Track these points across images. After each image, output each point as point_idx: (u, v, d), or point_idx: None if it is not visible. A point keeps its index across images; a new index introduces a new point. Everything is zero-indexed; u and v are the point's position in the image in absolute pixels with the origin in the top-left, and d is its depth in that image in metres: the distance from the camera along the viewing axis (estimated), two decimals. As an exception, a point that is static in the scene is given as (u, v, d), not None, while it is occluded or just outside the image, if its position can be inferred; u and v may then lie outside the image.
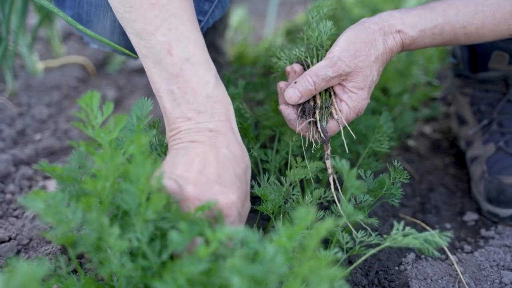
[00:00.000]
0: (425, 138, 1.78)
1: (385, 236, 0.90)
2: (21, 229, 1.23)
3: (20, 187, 1.41)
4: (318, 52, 1.12)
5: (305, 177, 1.10)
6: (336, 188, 1.03)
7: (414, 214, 1.39)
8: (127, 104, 1.91)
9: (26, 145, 1.61)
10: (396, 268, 1.16)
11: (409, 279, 1.12)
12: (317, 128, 1.06)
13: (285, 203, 1.07)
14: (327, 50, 1.09)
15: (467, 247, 1.26)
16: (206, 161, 0.88)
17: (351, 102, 1.05)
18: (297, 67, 1.10)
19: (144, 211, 0.77)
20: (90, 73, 2.11)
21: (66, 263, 0.88)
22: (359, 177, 1.23)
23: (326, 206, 1.27)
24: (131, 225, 0.79)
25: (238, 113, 1.22)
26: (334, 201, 1.04)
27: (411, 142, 1.73)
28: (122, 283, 0.79)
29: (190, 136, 0.92)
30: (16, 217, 1.29)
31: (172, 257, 0.82)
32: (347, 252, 0.99)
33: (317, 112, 1.06)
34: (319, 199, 1.06)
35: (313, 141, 1.06)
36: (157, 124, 1.06)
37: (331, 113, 1.06)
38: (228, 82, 1.30)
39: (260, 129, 1.29)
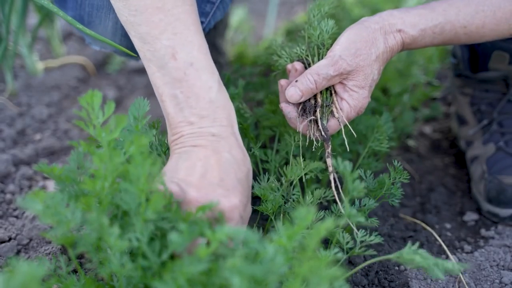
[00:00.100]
0: (425, 138, 1.78)
1: (397, 253, 0.87)
2: (21, 229, 1.23)
3: (20, 187, 1.41)
4: (319, 50, 1.12)
5: (305, 176, 1.10)
6: (336, 187, 1.03)
7: (414, 214, 1.39)
8: (127, 104, 1.91)
9: (26, 145, 1.61)
10: (396, 268, 1.16)
11: (409, 279, 1.12)
12: (317, 126, 1.06)
13: (285, 203, 1.07)
14: (328, 49, 1.09)
15: (467, 247, 1.26)
16: (208, 165, 0.89)
17: (352, 100, 1.05)
18: (298, 65, 1.10)
19: (144, 211, 0.77)
20: (90, 73, 2.11)
21: (66, 263, 0.88)
22: (359, 177, 1.23)
23: (326, 206, 1.27)
24: (131, 225, 0.79)
25: (238, 113, 1.22)
26: (334, 201, 1.04)
27: (411, 142, 1.73)
28: (122, 283, 0.79)
29: (193, 141, 0.92)
30: (16, 217, 1.29)
31: (172, 257, 0.82)
32: (347, 252, 0.99)
33: (317, 110, 1.06)
34: (319, 199, 1.06)
35: (314, 140, 1.06)
36: (157, 124, 1.06)
37: (331, 112, 1.06)
38: (228, 82, 1.30)
39: (260, 129, 1.29)
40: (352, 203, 1.08)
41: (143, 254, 0.79)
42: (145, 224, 0.78)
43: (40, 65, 2.02)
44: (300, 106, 1.07)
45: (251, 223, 1.16)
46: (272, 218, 1.06)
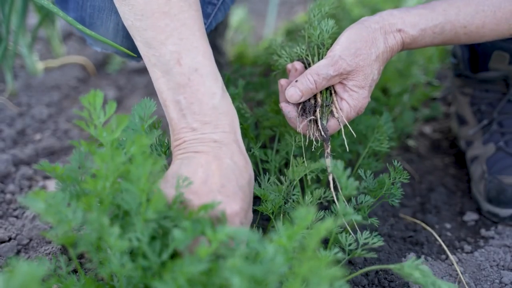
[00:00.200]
0: (425, 138, 1.78)
1: (398, 265, 0.87)
2: (21, 229, 1.23)
3: (20, 187, 1.41)
4: (319, 50, 1.12)
5: (306, 176, 1.10)
6: (335, 187, 1.03)
7: (414, 214, 1.39)
8: (127, 104, 1.91)
9: (26, 145, 1.61)
10: (396, 268, 1.16)
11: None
12: (317, 126, 1.06)
13: (285, 203, 1.07)
14: (328, 49, 1.09)
15: (467, 247, 1.26)
16: (209, 172, 0.89)
17: (352, 100, 1.05)
18: (298, 65, 1.10)
19: (144, 211, 0.77)
20: (90, 73, 2.11)
21: (66, 263, 0.88)
22: (359, 177, 1.23)
23: (326, 206, 1.27)
24: (132, 225, 0.79)
25: (238, 113, 1.22)
26: (334, 201, 1.04)
27: (411, 142, 1.73)
28: (122, 283, 0.79)
29: (195, 147, 0.92)
30: (16, 217, 1.29)
31: (172, 257, 0.82)
32: (348, 254, 0.99)
33: (317, 110, 1.06)
34: (319, 199, 1.06)
35: (313, 140, 1.06)
36: (158, 124, 1.06)
37: (331, 112, 1.06)
38: (228, 82, 1.30)
39: (260, 129, 1.29)
40: (349, 201, 1.08)
41: (143, 254, 0.79)
42: (145, 224, 0.78)
43: (40, 65, 2.02)
44: (300, 106, 1.07)
45: (251, 223, 1.16)
46: (272, 218, 1.06)
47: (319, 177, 1.30)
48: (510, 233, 1.29)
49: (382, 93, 1.72)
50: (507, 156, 1.40)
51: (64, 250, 1.14)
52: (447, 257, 1.21)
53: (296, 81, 1.04)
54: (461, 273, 1.14)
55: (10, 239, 1.21)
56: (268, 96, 1.43)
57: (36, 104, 1.81)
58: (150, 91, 1.99)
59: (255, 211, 1.17)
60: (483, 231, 1.32)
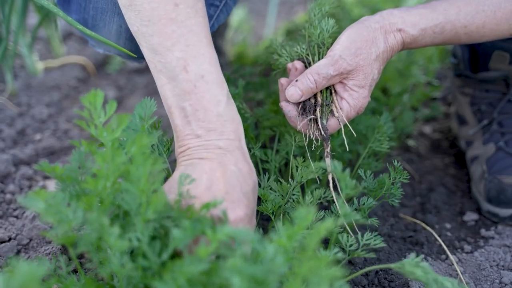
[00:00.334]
0: (425, 138, 1.78)
1: (398, 264, 0.87)
2: (21, 229, 1.23)
3: (20, 187, 1.41)
4: (320, 49, 1.12)
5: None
6: (335, 187, 1.03)
7: (414, 214, 1.39)
8: (127, 104, 1.91)
9: (26, 145, 1.61)
10: (396, 268, 1.16)
11: (409, 279, 1.12)
12: (317, 125, 1.06)
13: (285, 203, 1.07)
14: (328, 48, 1.09)
15: (467, 247, 1.26)
16: (214, 178, 0.89)
17: (352, 100, 1.05)
18: (298, 64, 1.10)
19: (144, 211, 0.77)
20: (90, 73, 2.11)
21: (66, 263, 0.88)
22: (359, 177, 1.23)
23: (326, 206, 1.27)
24: (132, 225, 0.79)
25: (239, 113, 1.22)
26: (334, 201, 1.04)
27: (411, 142, 1.73)
28: (122, 283, 0.79)
29: (199, 153, 0.92)
30: (16, 217, 1.29)
31: (172, 257, 0.82)
32: (348, 254, 0.99)
33: (317, 109, 1.06)
34: (319, 199, 1.06)
35: (313, 139, 1.06)
36: (158, 124, 1.06)
37: (331, 111, 1.07)
38: (228, 82, 1.29)
39: (260, 129, 1.29)
40: (350, 201, 1.08)
41: (143, 254, 0.79)
42: (145, 224, 0.78)
43: (40, 65, 2.02)
44: (300, 105, 1.07)
45: (251, 223, 1.16)
46: (272, 218, 1.06)
47: (319, 177, 1.30)
48: (510, 233, 1.29)
49: (382, 93, 1.72)
50: (507, 156, 1.40)
51: (64, 250, 1.14)
52: (447, 257, 1.21)
53: (297, 80, 1.04)
54: (461, 273, 1.14)
55: (10, 239, 1.21)
56: (268, 96, 1.43)
57: (36, 104, 1.81)
58: (150, 91, 1.99)
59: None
60: (483, 231, 1.32)
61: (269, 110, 1.25)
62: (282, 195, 1.06)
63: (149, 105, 1.00)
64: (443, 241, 1.27)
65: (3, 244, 1.18)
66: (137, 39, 0.97)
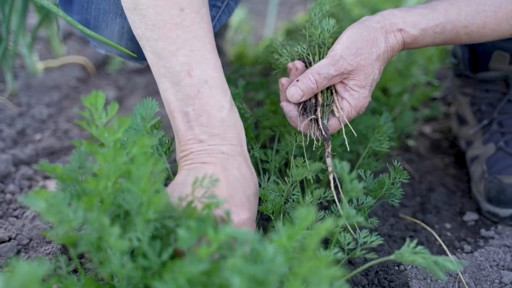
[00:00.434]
0: (425, 138, 1.78)
1: (396, 252, 0.88)
2: (21, 229, 1.23)
3: (20, 187, 1.41)
4: (320, 49, 1.12)
5: (306, 177, 1.09)
6: (336, 187, 1.03)
7: (414, 214, 1.39)
8: (127, 104, 1.91)
9: (26, 145, 1.61)
10: (396, 268, 1.16)
11: (409, 279, 1.12)
12: (318, 125, 1.06)
13: (285, 203, 1.07)
14: (329, 48, 1.09)
15: (467, 247, 1.26)
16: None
17: (353, 100, 1.05)
18: (299, 64, 1.10)
19: (145, 211, 0.77)
20: (90, 73, 2.11)
21: (66, 263, 0.88)
22: (359, 177, 1.23)
23: (326, 206, 1.27)
24: (133, 225, 0.79)
25: (238, 113, 1.22)
26: (334, 201, 1.04)
27: (411, 142, 1.73)
28: (122, 283, 0.79)
29: (202, 158, 0.93)
30: (16, 217, 1.29)
31: (172, 257, 0.82)
32: (348, 254, 0.99)
33: (318, 109, 1.06)
34: (319, 199, 1.06)
35: (314, 139, 1.06)
36: (158, 124, 1.06)
37: (332, 111, 1.07)
38: (228, 82, 1.29)
39: (260, 129, 1.29)
40: (350, 201, 1.08)
41: (143, 254, 0.79)
42: (146, 224, 0.78)
43: (40, 65, 2.02)
44: (301, 105, 1.07)
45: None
46: (272, 218, 1.06)
47: (319, 177, 1.30)
48: (510, 233, 1.29)
49: (382, 93, 1.72)
50: (507, 156, 1.40)
51: (64, 250, 1.14)
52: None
53: (297, 80, 1.04)
54: (461, 273, 1.14)
55: (10, 239, 1.21)
56: (268, 96, 1.43)
57: (36, 104, 1.81)
58: (150, 91, 1.99)
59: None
60: (483, 231, 1.32)
61: (269, 110, 1.25)
62: (281, 195, 1.06)
63: (150, 105, 1.00)
64: (443, 241, 1.27)
65: (3, 244, 1.18)
66: (140, 43, 0.97)
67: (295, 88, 1.04)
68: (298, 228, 0.74)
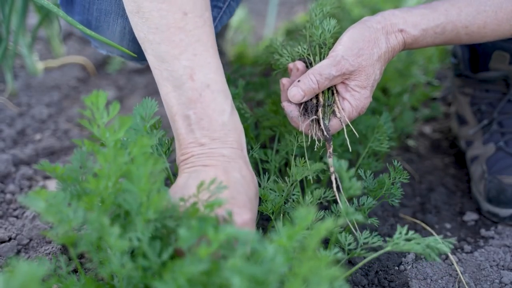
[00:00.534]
0: (425, 138, 1.78)
1: (387, 239, 0.90)
2: (21, 229, 1.23)
3: (20, 187, 1.41)
4: (321, 49, 1.12)
5: (306, 177, 1.10)
6: (337, 187, 1.03)
7: (414, 214, 1.39)
8: (127, 104, 1.91)
9: (26, 145, 1.61)
10: (396, 268, 1.16)
11: (409, 279, 1.12)
12: (319, 126, 1.06)
13: (285, 203, 1.07)
14: (330, 48, 1.09)
15: (467, 247, 1.26)
16: None
17: (354, 100, 1.06)
18: (299, 64, 1.10)
19: (145, 211, 0.77)
20: (90, 73, 2.11)
21: (66, 263, 0.88)
22: (359, 177, 1.23)
23: (326, 206, 1.27)
24: (133, 225, 0.79)
25: (238, 113, 1.22)
26: (334, 201, 1.04)
27: (411, 142, 1.73)
28: (122, 283, 0.79)
29: (203, 161, 0.93)
30: (16, 217, 1.29)
31: (172, 257, 0.82)
32: (348, 253, 0.99)
33: (319, 110, 1.06)
34: (319, 199, 1.06)
35: (316, 139, 1.06)
36: (158, 124, 1.06)
37: (333, 112, 1.07)
38: (228, 82, 1.29)
39: (260, 129, 1.29)
40: (351, 201, 1.08)
41: (143, 254, 0.79)
42: (146, 224, 0.78)
43: (40, 65, 2.02)
44: (302, 106, 1.07)
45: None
46: (272, 218, 1.06)
47: (319, 177, 1.30)
48: (510, 233, 1.29)
49: (382, 93, 1.72)
50: (507, 156, 1.40)
51: (64, 250, 1.14)
52: (447, 257, 1.21)
53: (299, 81, 1.04)
54: (461, 273, 1.14)
55: (10, 239, 1.21)
56: (268, 96, 1.43)
57: (36, 104, 1.81)
58: (150, 91, 1.99)
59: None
60: (483, 231, 1.32)
61: (270, 110, 1.25)
62: (281, 195, 1.06)
63: (150, 105, 1.00)
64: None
65: (3, 244, 1.17)
66: (142, 46, 0.97)
67: (297, 89, 1.04)
68: (298, 228, 0.74)
